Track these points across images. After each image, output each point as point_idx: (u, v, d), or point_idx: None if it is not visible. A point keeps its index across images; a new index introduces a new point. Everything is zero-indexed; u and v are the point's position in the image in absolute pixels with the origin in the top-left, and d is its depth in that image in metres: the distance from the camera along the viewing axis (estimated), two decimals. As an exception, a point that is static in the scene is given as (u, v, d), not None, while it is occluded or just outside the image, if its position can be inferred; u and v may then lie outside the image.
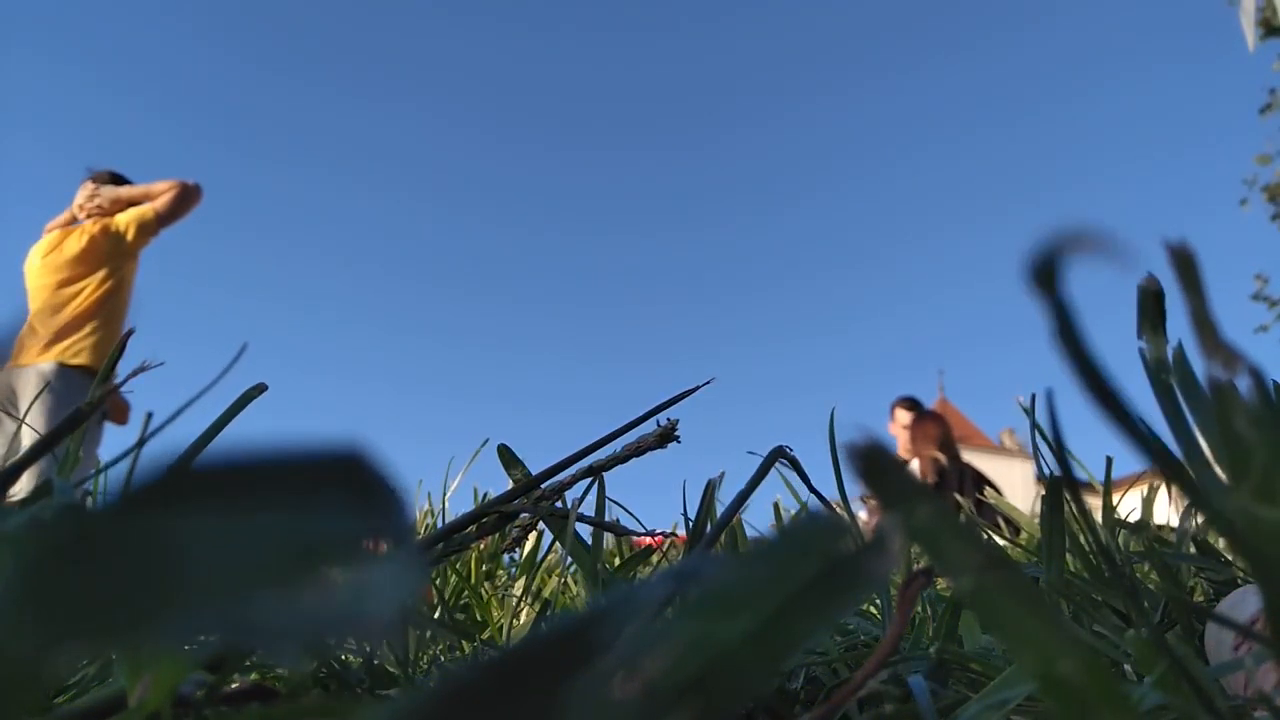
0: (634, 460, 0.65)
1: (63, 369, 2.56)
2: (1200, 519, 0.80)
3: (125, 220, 2.76)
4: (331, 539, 0.11)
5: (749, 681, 0.14)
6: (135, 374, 0.70)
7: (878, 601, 0.68)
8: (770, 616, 0.14)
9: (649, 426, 0.64)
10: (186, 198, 2.84)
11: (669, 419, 0.64)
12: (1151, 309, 0.31)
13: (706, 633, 0.14)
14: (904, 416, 3.92)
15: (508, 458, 0.69)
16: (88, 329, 2.64)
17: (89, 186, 2.83)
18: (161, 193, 2.81)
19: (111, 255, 2.73)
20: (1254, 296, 11.39)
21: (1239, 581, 0.58)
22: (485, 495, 1.23)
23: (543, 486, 0.64)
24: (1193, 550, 0.67)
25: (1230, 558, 0.63)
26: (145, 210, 2.78)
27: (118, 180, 2.88)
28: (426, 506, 1.38)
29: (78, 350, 2.59)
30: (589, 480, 0.65)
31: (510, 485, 0.67)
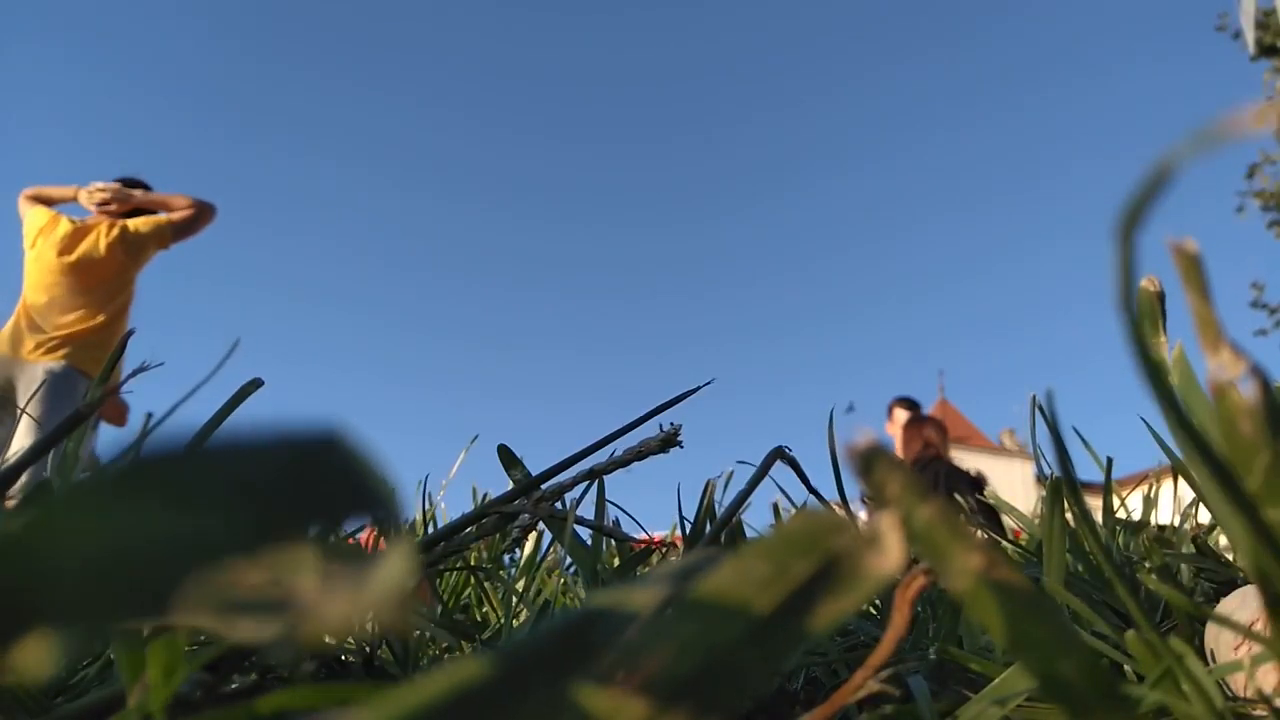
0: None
1: (73, 372, 2.56)
2: (1200, 519, 0.80)
3: (144, 231, 2.78)
4: (311, 522, 0.11)
5: (748, 681, 0.14)
6: (135, 374, 0.70)
7: (878, 601, 0.68)
8: (769, 616, 0.14)
9: (650, 428, 0.64)
10: (202, 217, 2.89)
11: (672, 423, 0.64)
12: (1152, 309, 0.31)
13: (706, 632, 0.14)
14: (902, 416, 3.92)
15: (508, 458, 0.69)
16: (99, 335, 2.65)
17: (108, 187, 2.82)
18: (179, 207, 2.85)
19: (127, 264, 2.76)
20: (1252, 304, 11.45)
21: (1239, 581, 0.58)
22: (485, 495, 1.23)
23: (543, 488, 0.64)
24: (1193, 550, 0.67)
25: (1230, 558, 0.63)
26: (162, 223, 2.81)
27: (136, 184, 2.89)
28: (427, 506, 1.38)
29: (88, 356, 2.60)
30: (589, 482, 0.65)
31: (510, 485, 0.68)
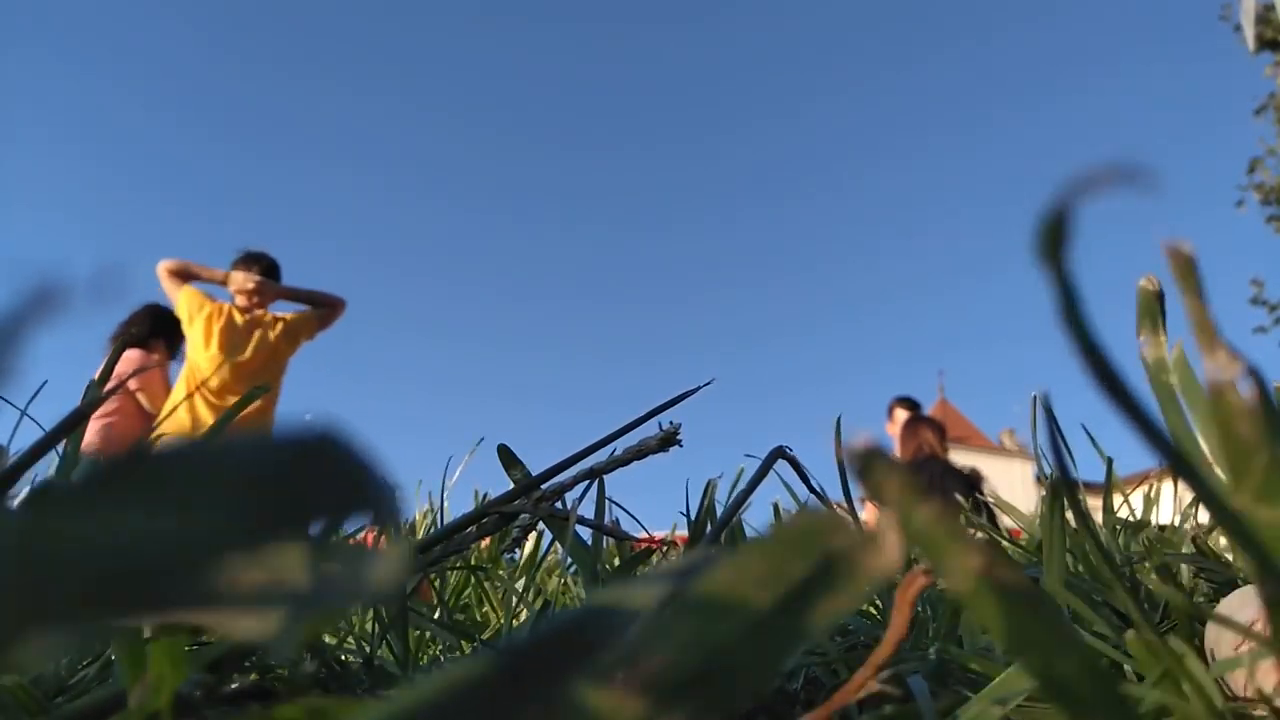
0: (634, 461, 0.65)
1: None
2: (1200, 519, 0.80)
3: (300, 323, 3.11)
4: (309, 519, 0.11)
5: (748, 680, 0.14)
6: (137, 373, 0.70)
7: (878, 601, 0.68)
8: (769, 615, 0.14)
9: (650, 428, 0.64)
10: (337, 311, 3.22)
11: (671, 422, 0.64)
12: (1151, 309, 0.31)
13: (705, 632, 0.14)
14: (903, 416, 3.93)
15: (508, 458, 0.69)
16: (262, 416, 2.88)
17: (251, 276, 3.05)
18: (328, 304, 3.19)
19: (287, 354, 3.08)
20: (1252, 300, 11.46)
21: (1239, 581, 0.58)
22: (485, 496, 1.23)
23: (543, 488, 0.64)
24: (1193, 550, 0.67)
25: (1230, 558, 0.63)
26: (312, 317, 3.15)
27: (273, 270, 3.14)
28: (426, 506, 1.38)
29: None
30: (589, 481, 0.65)
31: (510, 486, 0.68)
